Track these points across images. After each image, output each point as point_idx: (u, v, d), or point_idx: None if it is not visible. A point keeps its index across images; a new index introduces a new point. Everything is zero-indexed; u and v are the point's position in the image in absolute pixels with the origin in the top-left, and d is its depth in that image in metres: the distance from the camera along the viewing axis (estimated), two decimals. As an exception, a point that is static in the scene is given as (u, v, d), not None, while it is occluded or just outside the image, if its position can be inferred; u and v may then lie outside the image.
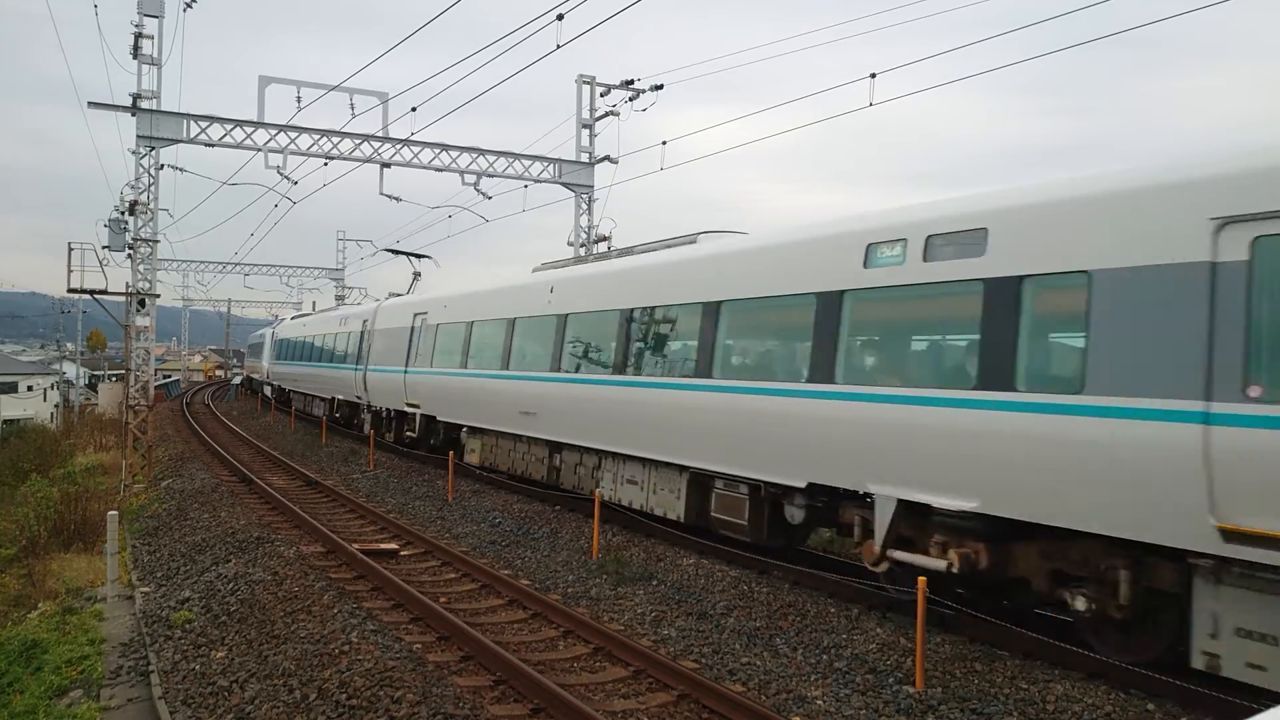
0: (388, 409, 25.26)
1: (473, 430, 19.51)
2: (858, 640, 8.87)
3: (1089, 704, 7.20)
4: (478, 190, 26.18)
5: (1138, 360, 7.12)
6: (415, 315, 22.79)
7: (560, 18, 15.28)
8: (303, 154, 23.94)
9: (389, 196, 26.44)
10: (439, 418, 21.09)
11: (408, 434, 23.39)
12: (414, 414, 22.51)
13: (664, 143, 22.80)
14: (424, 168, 25.21)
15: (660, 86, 24.97)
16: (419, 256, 29.23)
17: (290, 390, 40.97)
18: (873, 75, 15.90)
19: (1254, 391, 6.46)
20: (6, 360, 68.55)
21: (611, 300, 14.16)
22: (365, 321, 27.40)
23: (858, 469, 9.42)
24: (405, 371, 22.77)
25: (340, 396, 30.29)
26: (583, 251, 26.71)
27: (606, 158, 26.38)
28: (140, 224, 22.67)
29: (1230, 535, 6.49)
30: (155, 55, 22.55)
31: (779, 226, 11.58)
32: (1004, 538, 8.34)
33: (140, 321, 23.10)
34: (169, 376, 76.22)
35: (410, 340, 22.74)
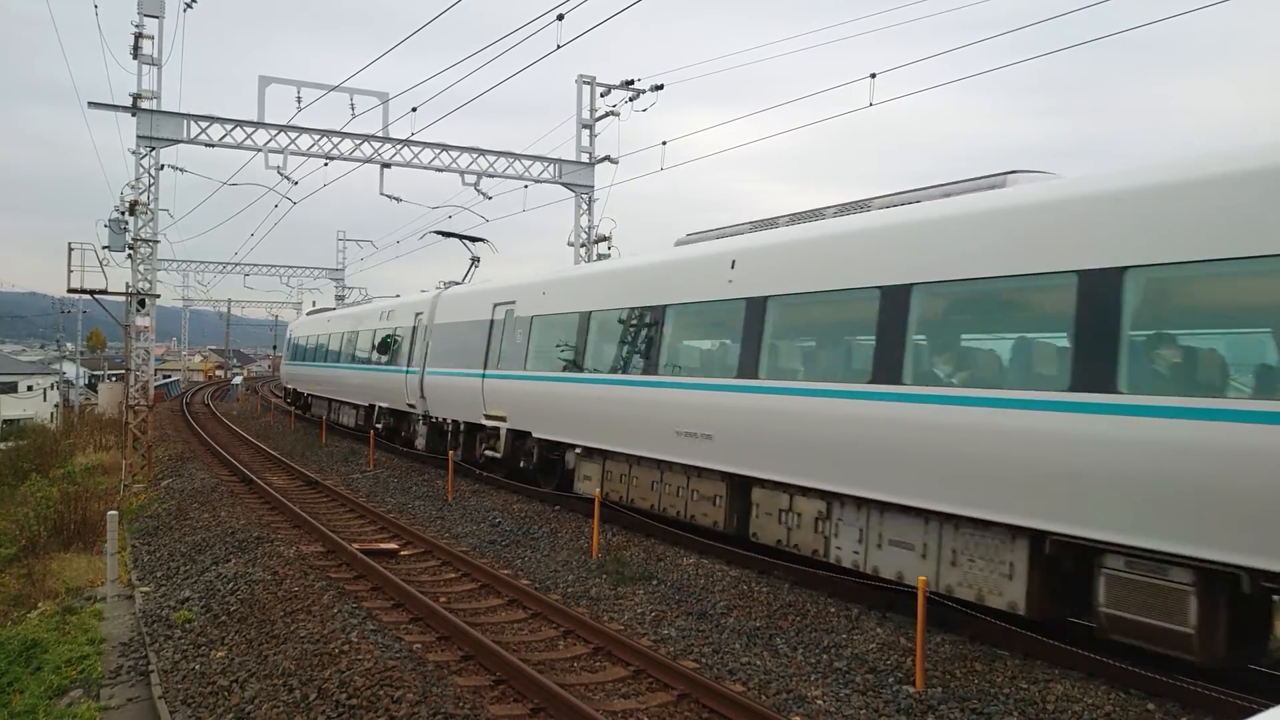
0: (454, 421, 20.61)
1: (589, 453, 14.90)
2: (858, 640, 8.87)
3: (1089, 704, 7.20)
4: (478, 190, 26.21)
5: None
6: (496, 306, 18.41)
7: (560, 18, 15.32)
8: (303, 154, 23.95)
9: (389, 197, 26.47)
10: (535, 434, 16.54)
11: (486, 453, 18.54)
12: (497, 429, 17.88)
13: (664, 143, 22.87)
14: (424, 168, 25.23)
15: (660, 87, 25.01)
16: (475, 240, 24.62)
17: (309, 395, 36.10)
18: (873, 75, 15.94)
19: None
20: (6, 360, 68.64)
21: (883, 273, 9.67)
22: (419, 315, 22.90)
23: None
24: (484, 375, 18.35)
25: (383, 404, 25.58)
26: (584, 252, 26.71)
27: (606, 158, 26.41)
28: (140, 224, 22.67)
29: None
30: (155, 55, 22.55)
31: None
32: None
33: (140, 321, 23.09)
34: (169, 376, 76.27)
35: (491, 337, 18.47)
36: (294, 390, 39.30)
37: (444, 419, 21.29)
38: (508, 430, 17.53)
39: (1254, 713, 2.08)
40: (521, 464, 17.53)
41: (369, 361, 26.48)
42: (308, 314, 42.61)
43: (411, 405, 22.83)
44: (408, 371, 22.96)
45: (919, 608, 7.87)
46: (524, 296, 17.43)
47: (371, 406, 26.72)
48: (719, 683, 7.79)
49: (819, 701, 7.53)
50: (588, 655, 8.74)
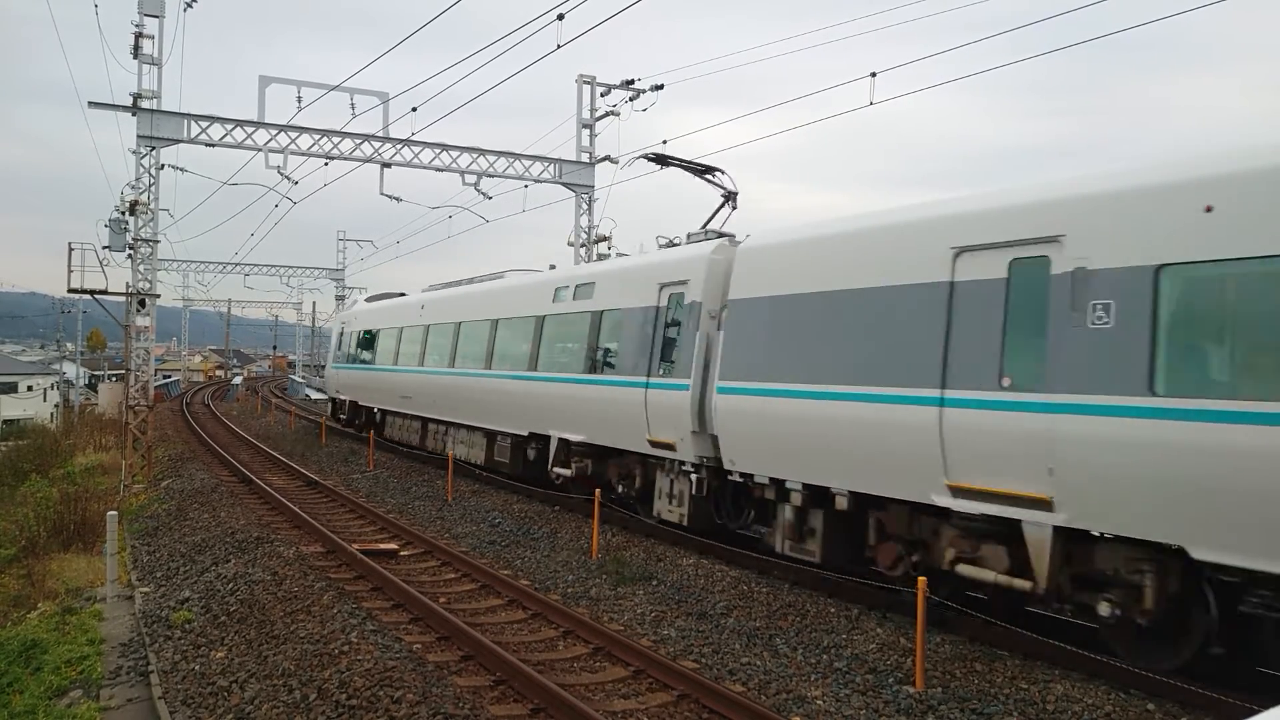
0: (807, 486, 10.57)
1: None
2: (858, 640, 8.87)
3: (1089, 704, 7.20)
4: (478, 190, 26.23)
5: None
6: (964, 254, 8.96)
7: (560, 18, 15.31)
8: (303, 154, 23.97)
9: (389, 196, 26.51)
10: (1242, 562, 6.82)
11: (957, 569, 8.88)
12: (999, 523, 8.45)
13: (664, 142, 22.84)
14: (424, 168, 25.25)
15: (660, 86, 25.02)
16: (709, 169, 15.18)
17: (381, 411, 26.05)
18: (873, 74, 15.95)
19: None
20: (6, 360, 68.64)
21: None
22: (671, 287, 13.30)
23: None
24: (941, 403, 8.87)
25: (575, 436, 15.29)
26: (584, 252, 26.69)
27: (607, 158, 26.42)
28: (140, 224, 22.68)
29: None
30: (155, 55, 22.57)
31: None
32: None
33: (140, 321, 23.10)
34: (169, 377, 76.29)
35: (953, 321, 8.99)
36: (352, 403, 28.71)
37: (761, 478, 11.27)
38: (1053, 534, 8.03)
39: (1254, 713, 2.08)
40: (1104, 611, 7.78)
41: (534, 365, 16.74)
42: (367, 300, 30.94)
43: (664, 444, 12.94)
44: (652, 385, 13.19)
45: (919, 608, 7.87)
46: (1108, 222, 7.94)
47: (534, 437, 16.97)
48: (719, 683, 7.78)
49: (819, 702, 7.53)
50: (588, 655, 8.74)
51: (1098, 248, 7.82)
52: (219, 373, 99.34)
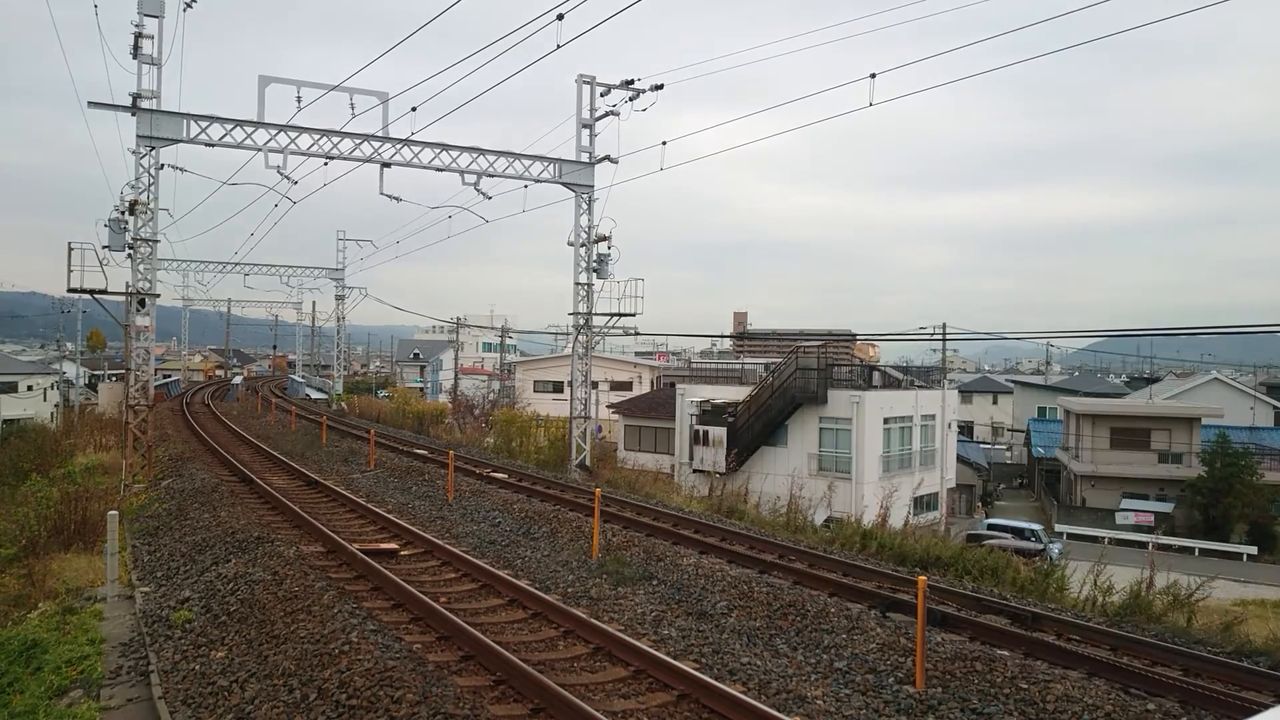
0: None
1: None
2: (858, 640, 8.87)
3: (1089, 704, 7.20)
4: (478, 190, 26.19)
5: None
6: None
7: (560, 18, 15.32)
8: (303, 154, 23.96)
9: (389, 196, 26.46)
10: None
11: None
12: None
13: (664, 143, 22.90)
14: (424, 168, 25.23)
15: (660, 86, 25.00)
16: None
17: None
18: (873, 75, 15.95)
19: None
20: (6, 360, 68.53)
21: None
22: None
23: None
24: None
25: None
26: (583, 252, 26.66)
27: (606, 158, 26.40)
28: (140, 224, 22.68)
29: None
30: (155, 55, 22.55)
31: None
32: None
33: (140, 321, 23.11)
34: (169, 376, 76.26)
35: None
36: None
37: None
38: None
39: (1254, 713, 2.08)
40: None
41: None
42: None
43: None
44: None
45: (919, 608, 7.87)
46: None
47: None
48: (719, 683, 7.78)
49: (819, 701, 7.53)
50: (588, 655, 8.75)
51: None
52: (219, 372, 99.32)
